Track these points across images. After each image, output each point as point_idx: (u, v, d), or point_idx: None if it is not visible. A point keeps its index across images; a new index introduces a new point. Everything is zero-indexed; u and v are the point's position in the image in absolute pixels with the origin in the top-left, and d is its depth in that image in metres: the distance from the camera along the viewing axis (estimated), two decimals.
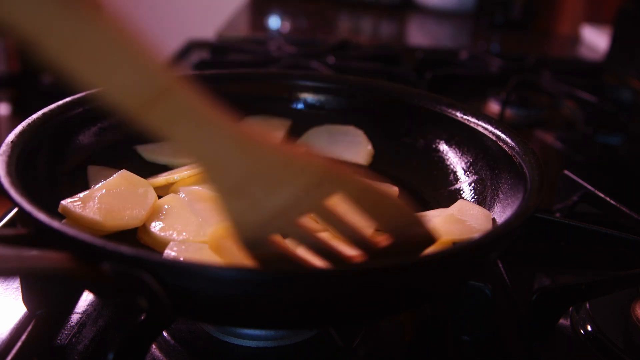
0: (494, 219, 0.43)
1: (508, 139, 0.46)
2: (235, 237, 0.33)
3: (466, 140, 0.51)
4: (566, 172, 0.56)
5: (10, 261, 0.28)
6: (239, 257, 0.35)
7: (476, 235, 0.41)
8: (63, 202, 0.41)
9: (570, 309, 0.43)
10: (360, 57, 1.02)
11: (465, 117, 0.51)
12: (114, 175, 0.45)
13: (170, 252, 0.38)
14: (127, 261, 0.29)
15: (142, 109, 0.30)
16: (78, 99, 0.48)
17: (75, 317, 0.40)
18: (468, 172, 0.50)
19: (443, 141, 0.53)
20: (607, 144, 0.82)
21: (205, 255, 0.38)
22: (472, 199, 0.48)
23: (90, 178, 0.47)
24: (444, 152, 0.52)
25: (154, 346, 0.38)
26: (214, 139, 0.31)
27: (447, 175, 0.51)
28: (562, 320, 0.43)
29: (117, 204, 0.42)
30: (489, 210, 0.45)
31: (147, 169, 0.50)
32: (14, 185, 0.34)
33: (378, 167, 0.54)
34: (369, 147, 0.55)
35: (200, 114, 0.31)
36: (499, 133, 0.47)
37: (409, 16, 1.68)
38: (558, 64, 1.06)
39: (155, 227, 0.42)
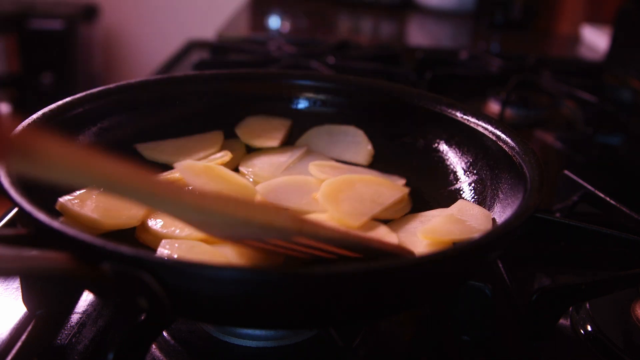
0: (494, 219, 0.43)
1: (508, 139, 0.46)
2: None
3: (466, 140, 0.51)
4: (566, 172, 0.56)
5: (10, 261, 0.28)
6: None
7: (476, 235, 0.41)
8: (61, 199, 0.41)
9: (570, 309, 0.43)
10: (360, 57, 1.02)
11: (465, 117, 0.51)
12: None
13: (163, 250, 0.38)
14: (127, 261, 0.29)
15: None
16: (78, 99, 0.48)
17: (75, 317, 0.40)
18: (468, 172, 0.50)
19: (443, 141, 0.53)
20: (607, 144, 0.82)
21: (200, 253, 0.38)
22: (472, 199, 0.48)
23: None
24: (444, 152, 0.52)
25: (154, 346, 0.38)
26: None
27: (447, 175, 0.51)
28: (562, 320, 0.43)
29: (114, 203, 0.42)
30: (489, 210, 0.45)
31: (147, 168, 0.50)
32: (14, 185, 0.34)
33: (378, 167, 0.54)
34: (369, 147, 0.55)
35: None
36: (499, 133, 0.47)
37: (409, 16, 1.68)
38: (558, 64, 1.06)
39: (156, 224, 0.42)
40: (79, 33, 2.14)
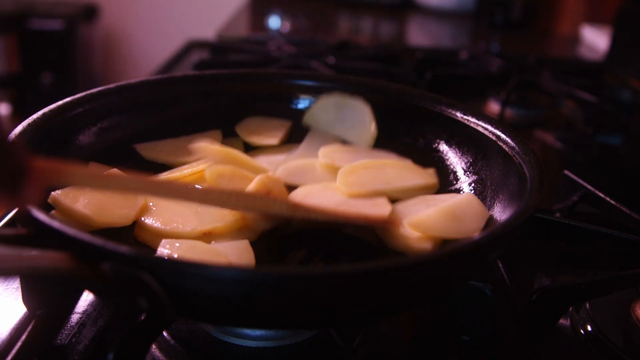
0: (490, 219, 0.43)
1: (508, 139, 0.46)
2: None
3: (466, 140, 0.51)
4: (566, 172, 0.56)
5: (10, 261, 0.28)
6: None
7: (475, 235, 0.41)
8: (54, 192, 0.41)
9: (570, 309, 0.43)
10: (360, 57, 1.02)
11: (465, 117, 0.51)
12: (104, 173, 0.45)
13: (163, 250, 0.38)
14: (127, 261, 0.29)
15: None
16: (78, 99, 0.48)
17: (75, 317, 0.40)
18: (468, 172, 0.50)
19: (443, 141, 0.53)
20: (607, 144, 0.82)
21: (200, 253, 0.39)
22: None
23: None
24: (444, 152, 0.52)
25: (154, 346, 0.38)
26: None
27: (447, 175, 0.51)
28: (562, 320, 0.43)
29: (107, 201, 0.42)
30: (489, 210, 0.45)
31: (147, 168, 0.50)
32: None
33: None
34: (373, 128, 0.55)
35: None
36: (499, 133, 0.47)
37: (409, 16, 1.68)
38: (558, 64, 1.06)
39: (155, 222, 0.42)
40: (79, 33, 2.14)
